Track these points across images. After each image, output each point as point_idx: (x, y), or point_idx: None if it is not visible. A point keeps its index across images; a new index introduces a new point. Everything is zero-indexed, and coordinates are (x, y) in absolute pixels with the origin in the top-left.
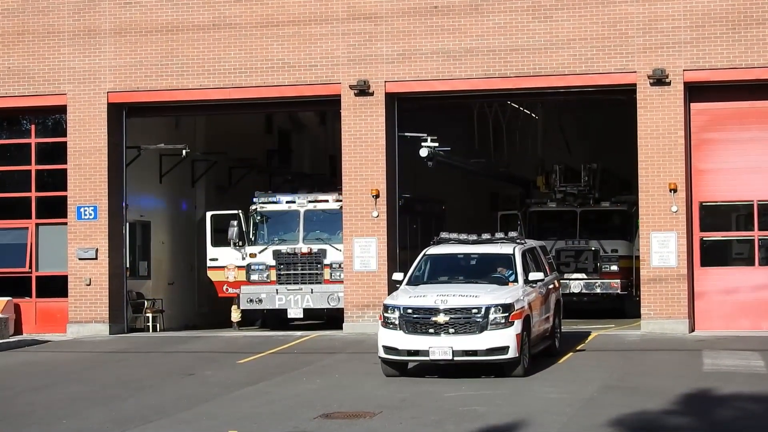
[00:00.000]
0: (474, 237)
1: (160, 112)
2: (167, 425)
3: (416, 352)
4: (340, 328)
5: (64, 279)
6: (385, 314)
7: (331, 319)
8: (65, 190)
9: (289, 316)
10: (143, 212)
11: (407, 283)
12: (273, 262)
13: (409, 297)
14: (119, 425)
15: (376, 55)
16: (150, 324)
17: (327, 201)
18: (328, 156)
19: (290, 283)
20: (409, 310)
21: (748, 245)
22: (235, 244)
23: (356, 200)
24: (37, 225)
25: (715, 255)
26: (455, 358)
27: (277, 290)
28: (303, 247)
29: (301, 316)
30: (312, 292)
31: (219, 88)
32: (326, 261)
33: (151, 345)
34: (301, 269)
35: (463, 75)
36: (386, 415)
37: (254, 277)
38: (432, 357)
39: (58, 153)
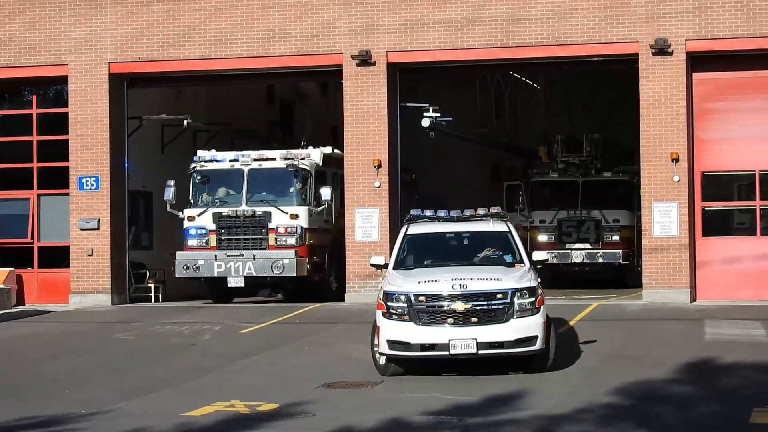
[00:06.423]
0: (456, 213)
1: (162, 82)
2: (170, 395)
3: (432, 347)
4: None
5: (66, 249)
6: (388, 303)
7: (286, 290)
8: (67, 160)
9: (228, 285)
10: (145, 183)
11: (395, 268)
12: (213, 226)
13: (418, 282)
14: (124, 395)
15: (377, 25)
16: (152, 294)
17: (274, 159)
18: (329, 127)
19: (231, 249)
20: (421, 298)
21: (750, 215)
22: (171, 206)
23: (358, 170)
24: (39, 196)
25: (716, 225)
26: (480, 352)
27: (216, 256)
28: (246, 210)
29: (242, 285)
30: (254, 259)
31: (221, 58)
32: (271, 225)
33: (153, 315)
34: (244, 234)
35: (465, 45)
36: (387, 384)
37: (192, 242)
38: (453, 351)
39: (60, 124)
